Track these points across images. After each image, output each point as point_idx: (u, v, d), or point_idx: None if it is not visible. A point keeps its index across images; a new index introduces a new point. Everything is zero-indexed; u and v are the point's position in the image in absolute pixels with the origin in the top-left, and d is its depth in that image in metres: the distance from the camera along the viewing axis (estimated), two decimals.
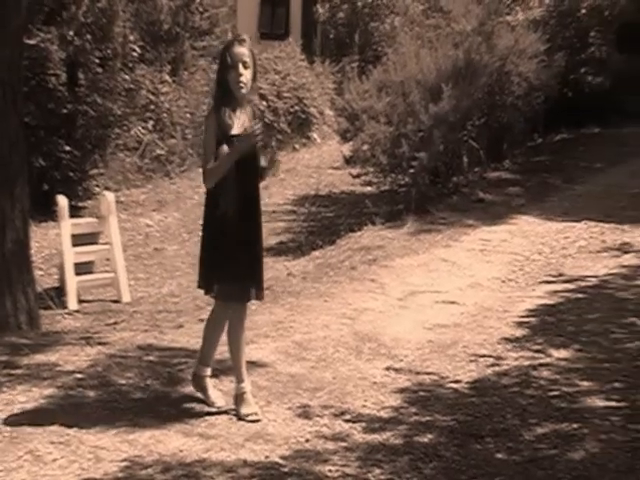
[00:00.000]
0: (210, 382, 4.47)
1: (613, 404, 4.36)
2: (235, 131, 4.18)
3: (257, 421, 4.26)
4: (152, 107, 12.17)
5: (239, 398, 4.35)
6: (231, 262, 4.21)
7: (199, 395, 4.45)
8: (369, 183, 10.18)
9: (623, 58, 12.39)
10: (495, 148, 10.72)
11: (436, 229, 8.40)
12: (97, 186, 11.43)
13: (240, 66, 4.12)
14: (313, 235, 9.63)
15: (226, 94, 4.18)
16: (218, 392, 4.49)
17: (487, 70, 9.84)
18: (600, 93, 12.27)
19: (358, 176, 10.00)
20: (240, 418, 4.28)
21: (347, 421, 4.32)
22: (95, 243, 8.14)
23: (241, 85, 4.13)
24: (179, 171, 12.89)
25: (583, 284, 6.54)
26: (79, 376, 4.69)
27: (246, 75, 4.13)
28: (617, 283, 6.50)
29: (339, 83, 15.97)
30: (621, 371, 4.78)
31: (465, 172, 9.96)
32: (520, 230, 8.36)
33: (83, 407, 4.35)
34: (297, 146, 15.08)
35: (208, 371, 4.46)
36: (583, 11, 11.70)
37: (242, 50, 4.14)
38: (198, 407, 4.42)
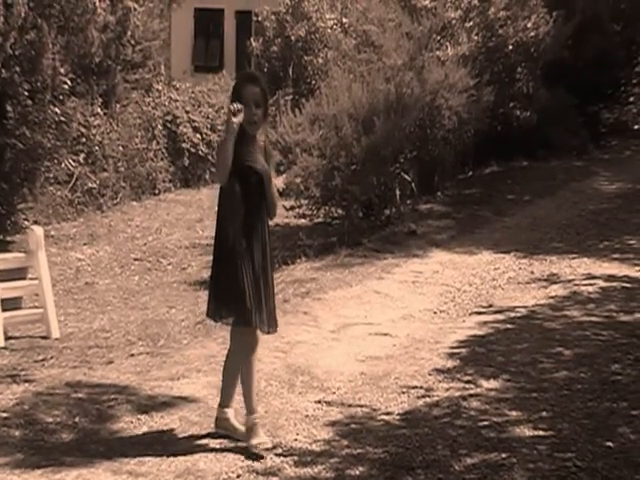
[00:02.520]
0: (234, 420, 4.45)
1: (540, 433, 4.43)
2: (255, 165, 4.29)
3: (268, 449, 4.25)
4: (83, 140, 12.04)
5: (249, 430, 4.34)
6: (240, 293, 4.24)
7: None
8: (302, 215, 10.22)
9: (549, 94, 12.73)
10: (426, 181, 10.87)
11: (369, 261, 8.47)
12: (26, 220, 11.22)
13: (253, 106, 4.23)
14: None
15: (230, 130, 4.23)
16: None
17: (418, 104, 9.99)
18: (528, 127, 12.55)
19: (291, 209, 10.03)
20: (249, 449, 4.26)
21: (279, 455, 4.30)
22: (23, 278, 7.96)
23: (253, 124, 4.26)
24: (111, 204, 12.75)
25: (512, 315, 6.65)
26: (4, 415, 4.60)
27: (258, 114, 4.25)
28: (545, 313, 6.63)
29: (273, 116, 16.05)
30: (548, 400, 4.86)
31: (397, 204, 10.06)
32: (451, 262, 8.48)
33: (7, 447, 4.26)
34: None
35: (230, 412, 4.46)
36: (510, 47, 11.99)
37: (254, 89, 4.28)
38: (128, 444, 4.36)
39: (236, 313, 4.32)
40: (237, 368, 4.43)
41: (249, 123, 4.25)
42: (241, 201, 4.28)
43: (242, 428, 4.42)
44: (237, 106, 4.17)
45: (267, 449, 4.28)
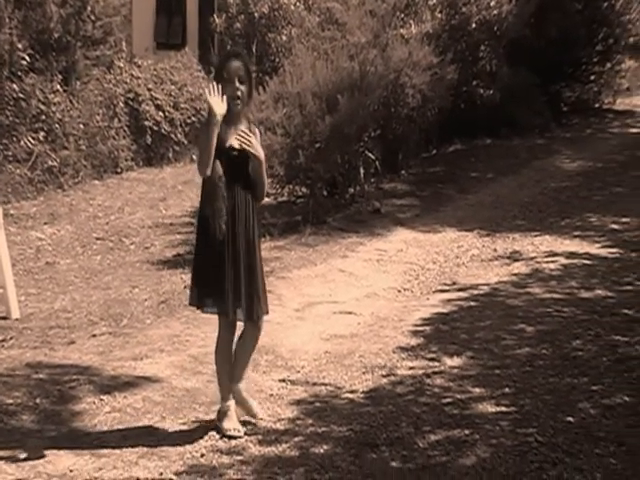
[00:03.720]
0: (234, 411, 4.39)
1: (503, 409, 4.47)
2: (233, 143, 4.19)
3: (238, 437, 4.22)
4: (43, 117, 11.83)
5: (221, 414, 4.31)
6: (219, 279, 4.19)
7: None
8: (267, 194, 10.16)
9: (512, 72, 12.78)
10: (391, 159, 10.87)
11: (333, 240, 8.46)
12: None
13: (236, 81, 4.15)
14: None
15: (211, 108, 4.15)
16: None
17: (382, 82, 9.96)
18: (491, 106, 12.60)
19: None
20: (221, 433, 4.24)
21: (244, 434, 4.29)
22: None
23: (236, 100, 4.17)
24: (72, 183, 12.57)
25: (475, 292, 6.69)
26: None
27: (242, 90, 4.17)
28: (508, 291, 6.68)
29: None
30: (511, 377, 4.91)
31: (361, 183, 10.05)
32: (415, 240, 8.50)
33: None
34: (194, 157, 14.95)
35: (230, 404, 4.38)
36: (474, 25, 11.99)
37: (238, 65, 4.20)
38: (90, 425, 4.32)
39: (217, 303, 4.27)
40: (248, 352, 4.43)
41: (232, 99, 4.15)
42: (224, 183, 4.19)
43: (252, 402, 4.43)
44: (214, 87, 4.08)
45: (237, 436, 4.26)
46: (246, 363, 4.43)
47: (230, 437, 4.22)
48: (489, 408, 4.49)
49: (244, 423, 4.37)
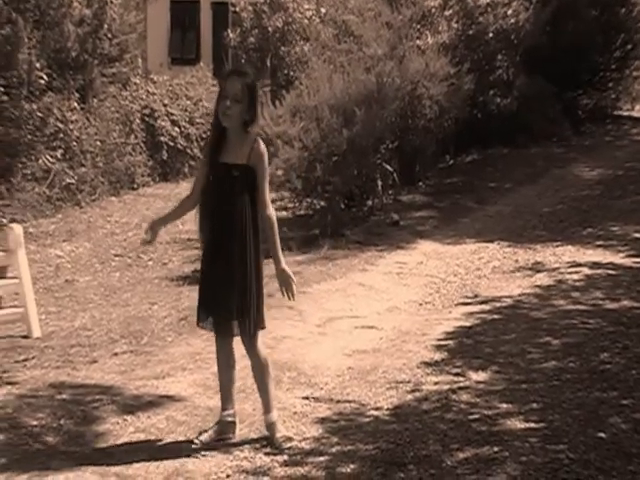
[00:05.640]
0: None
1: (532, 425, 4.40)
2: (228, 160, 4.21)
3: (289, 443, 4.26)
4: (60, 135, 11.88)
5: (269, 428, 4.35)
6: (209, 295, 4.26)
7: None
8: (284, 208, 10.15)
9: (529, 80, 12.72)
10: (408, 171, 10.84)
11: (352, 253, 8.42)
12: (3, 217, 11.07)
13: (229, 98, 4.16)
14: None
15: (216, 123, 4.26)
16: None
17: (399, 94, 9.95)
18: (508, 114, 12.56)
19: (273, 201, 9.94)
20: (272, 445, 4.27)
21: (268, 454, 4.24)
22: (2, 277, 7.84)
23: (225, 117, 4.18)
24: (90, 200, 12.61)
25: (498, 305, 6.62)
26: None
27: (233, 108, 4.15)
28: (531, 303, 6.60)
29: None
30: (538, 391, 4.83)
31: (379, 195, 10.03)
32: (435, 252, 8.44)
33: None
34: None
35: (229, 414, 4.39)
36: (490, 35, 11.97)
37: (235, 83, 4.19)
38: (115, 446, 4.29)
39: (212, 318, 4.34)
40: (259, 371, 4.39)
41: (223, 115, 4.19)
42: (216, 198, 4.22)
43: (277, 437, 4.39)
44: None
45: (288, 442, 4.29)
46: (266, 387, 4.39)
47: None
48: (517, 424, 4.42)
49: (264, 444, 4.31)
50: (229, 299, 4.23)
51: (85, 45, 11.56)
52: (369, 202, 10.00)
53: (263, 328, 4.39)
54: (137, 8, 15.94)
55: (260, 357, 4.39)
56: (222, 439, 4.35)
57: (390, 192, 10.36)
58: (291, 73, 17.26)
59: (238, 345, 4.43)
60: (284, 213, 10.57)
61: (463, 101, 11.15)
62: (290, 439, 4.32)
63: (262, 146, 4.28)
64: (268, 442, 4.32)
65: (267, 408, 4.39)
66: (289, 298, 4.37)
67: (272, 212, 4.30)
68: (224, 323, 4.30)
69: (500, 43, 12.20)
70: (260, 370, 4.39)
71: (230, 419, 4.41)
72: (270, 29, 18.93)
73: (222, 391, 4.46)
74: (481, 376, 5.16)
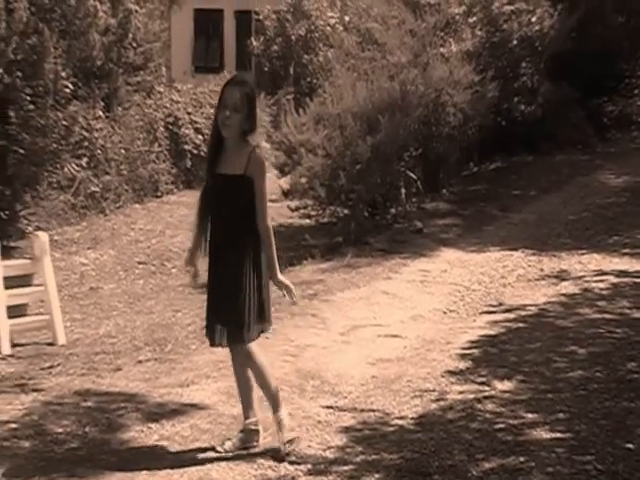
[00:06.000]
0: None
1: (558, 435, 4.36)
2: (225, 170, 4.19)
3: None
4: (86, 144, 11.95)
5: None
6: (211, 305, 4.32)
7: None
8: (308, 216, 10.15)
9: (553, 87, 12.65)
10: (432, 178, 10.81)
11: (376, 261, 8.39)
12: (29, 225, 11.16)
13: (228, 107, 4.13)
14: None
15: (215, 132, 4.25)
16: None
17: (423, 101, 9.93)
18: (532, 122, 12.49)
19: (297, 209, 9.97)
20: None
21: (292, 463, 4.23)
22: (28, 285, 7.90)
23: (225, 126, 4.15)
24: (114, 207, 12.68)
25: (523, 313, 6.58)
26: (14, 425, 4.53)
27: (232, 117, 4.12)
28: (557, 311, 6.55)
29: (275, 116, 15.98)
30: (564, 401, 4.79)
31: (403, 203, 10.00)
32: (459, 260, 8.40)
33: (18, 458, 4.19)
34: None
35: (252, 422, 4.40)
36: (514, 42, 11.92)
37: (235, 92, 4.15)
38: (139, 454, 4.29)
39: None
40: (257, 377, 4.37)
41: (223, 125, 4.16)
42: (212, 208, 4.24)
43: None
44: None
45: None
46: (267, 389, 4.36)
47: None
48: (543, 434, 4.38)
49: (287, 453, 4.30)
50: (227, 308, 4.21)
51: (110, 54, 11.64)
52: (393, 210, 9.97)
53: (246, 341, 4.27)
54: (161, 17, 16.02)
55: (253, 366, 4.33)
56: (246, 447, 4.35)
57: (414, 200, 10.33)
58: (314, 81, 17.32)
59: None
60: (307, 221, 10.58)
61: (487, 108, 11.11)
62: (295, 441, 4.30)
63: (260, 156, 4.24)
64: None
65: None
66: (293, 301, 4.39)
67: (268, 224, 4.21)
68: (231, 332, 4.24)
69: (524, 50, 12.16)
70: (258, 379, 4.36)
71: (253, 427, 4.40)
72: (293, 37, 19.03)
73: (242, 399, 4.44)
74: (506, 385, 5.12)
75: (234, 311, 4.19)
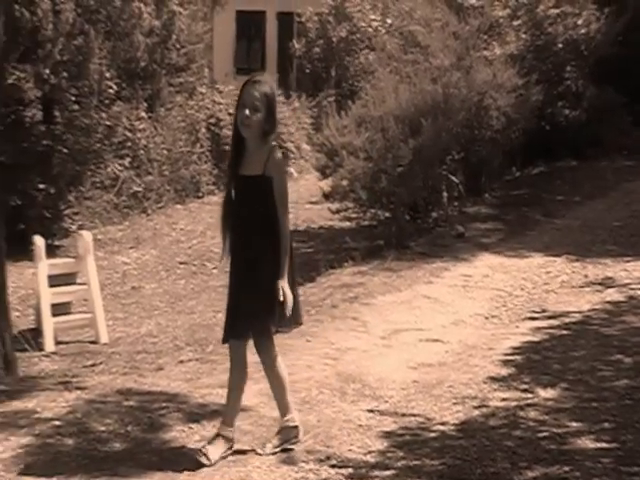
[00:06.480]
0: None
1: (604, 445, 4.29)
2: (245, 172, 4.16)
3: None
4: (129, 144, 12.10)
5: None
6: (230, 306, 4.29)
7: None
8: (348, 218, 10.14)
9: (599, 91, 12.50)
10: (474, 182, 10.73)
11: (417, 265, 8.34)
12: (73, 224, 11.31)
13: (247, 107, 4.09)
14: None
15: (235, 133, 4.20)
16: None
17: (466, 105, 9.87)
18: (576, 126, 12.35)
19: (337, 212, 9.96)
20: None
21: (333, 466, 4.21)
22: (72, 283, 8.01)
23: (244, 126, 4.11)
24: (156, 207, 12.81)
25: (567, 320, 6.49)
26: (57, 423, 4.56)
27: (252, 117, 4.09)
28: (601, 319, 6.46)
29: (316, 118, 16.00)
30: (610, 410, 4.71)
31: (444, 207, 9.94)
32: (501, 265, 8.32)
33: (61, 456, 4.22)
34: None
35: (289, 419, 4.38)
36: (560, 45, 11.80)
37: (253, 92, 4.11)
38: (180, 454, 4.30)
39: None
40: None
41: (242, 125, 4.11)
42: (234, 209, 4.19)
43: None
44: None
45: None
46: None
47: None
48: (588, 444, 4.31)
49: (329, 456, 4.28)
50: (242, 309, 4.17)
51: (154, 55, 11.76)
52: (434, 213, 9.92)
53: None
54: (204, 19, 16.14)
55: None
56: (286, 448, 4.34)
57: (455, 204, 10.26)
58: (355, 83, 17.31)
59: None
60: (348, 223, 10.57)
61: (531, 112, 11.00)
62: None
63: (279, 156, 4.17)
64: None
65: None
66: (285, 314, 4.17)
67: (287, 225, 4.14)
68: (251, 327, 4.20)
69: (570, 54, 12.01)
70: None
71: (291, 424, 4.38)
72: (335, 39, 19.03)
73: (277, 399, 4.42)
74: (550, 393, 5.05)
75: (249, 313, 4.14)
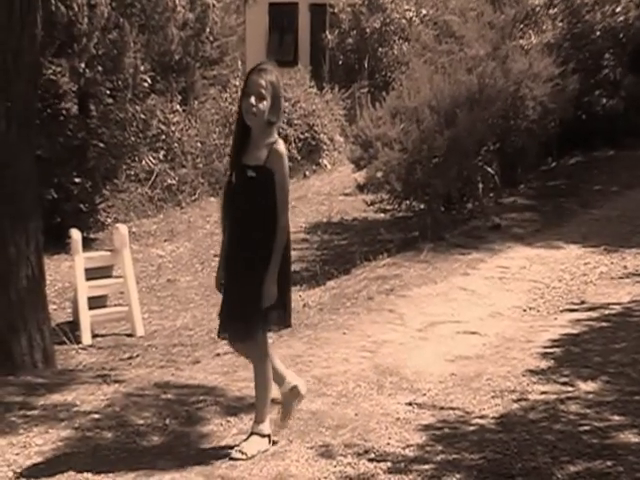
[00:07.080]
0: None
1: None
2: (247, 161, 4.07)
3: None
4: (163, 137, 12.14)
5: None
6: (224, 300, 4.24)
7: None
8: (383, 210, 10.09)
9: (637, 80, 12.30)
10: (509, 173, 10.63)
11: (453, 257, 8.28)
12: (108, 217, 11.39)
13: (253, 95, 4.01)
14: (327, 264, 9.51)
15: (240, 122, 4.10)
16: None
17: (501, 95, 9.77)
18: (614, 115, 12.17)
19: (372, 203, 9.92)
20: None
21: (371, 460, 4.18)
22: (109, 276, 8.05)
23: (250, 115, 4.00)
24: (190, 200, 12.85)
25: (607, 312, 6.40)
26: (96, 416, 4.58)
27: (258, 106, 4.00)
28: None
29: (349, 109, 15.94)
30: None
31: (480, 198, 9.86)
32: (538, 256, 8.23)
33: (100, 449, 4.24)
34: (307, 173, 15.05)
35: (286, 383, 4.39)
36: (597, 33, 11.63)
37: (259, 80, 4.02)
38: (219, 448, 4.30)
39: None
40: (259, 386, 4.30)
41: (247, 113, 4.00)
42: (234, 200, 4.10)
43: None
44: None
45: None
46: (261, 400, 4.23)
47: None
48: (631, 438, 4.24)
49: (367, 450, 4.25)
50: (233, 304, 4.12)
51: (188, 48, 11.79)
52: (469, 205, 9.85)
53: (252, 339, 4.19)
54: (237, 11, 16.15)
55: (260, 367, 4.23)
56: (290, 410, 4.37)
57: (491, 195, 10.18)
58: (389, 74, 17.21)
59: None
60: (382, 215, 10.52)
61: (568, 102, 10.86)
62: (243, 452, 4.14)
63: (281, 147, 4.06)
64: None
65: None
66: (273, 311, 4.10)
67: (286, 221, 4.03)
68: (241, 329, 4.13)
69: (607, 42, 11.83)
70: (259, 387, 4.27)
71: (289, 385, 4.32)
72: (368, 30, 18.93)
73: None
74: (590, 386, 4.98)
75: (243, 308, 4.07)
